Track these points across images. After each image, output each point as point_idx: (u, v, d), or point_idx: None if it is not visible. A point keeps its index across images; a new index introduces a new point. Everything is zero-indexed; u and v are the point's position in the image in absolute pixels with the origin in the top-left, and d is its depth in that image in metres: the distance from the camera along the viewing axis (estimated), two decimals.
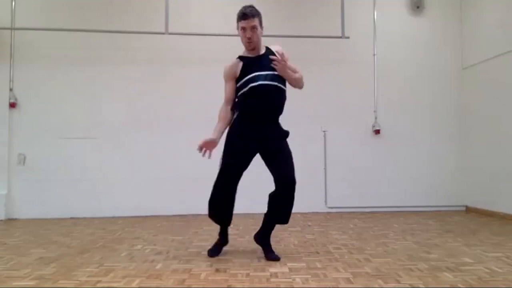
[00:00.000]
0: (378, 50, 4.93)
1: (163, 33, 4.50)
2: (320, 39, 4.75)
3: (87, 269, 2.39)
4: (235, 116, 2.72)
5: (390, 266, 2.42)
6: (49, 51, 4.59)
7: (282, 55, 2.64)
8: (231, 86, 2.67)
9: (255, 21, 2.56)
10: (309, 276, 2.24)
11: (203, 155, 2.64)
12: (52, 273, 2.31)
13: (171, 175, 4.62)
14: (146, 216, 4.46)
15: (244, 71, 2.62)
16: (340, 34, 4.68)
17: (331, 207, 4.80)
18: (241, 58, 2.67)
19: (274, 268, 2.40)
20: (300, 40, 4.68)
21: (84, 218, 4.40)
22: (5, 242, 3.19)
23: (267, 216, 2.69)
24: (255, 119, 2.63)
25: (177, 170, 4.63)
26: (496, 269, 2.36)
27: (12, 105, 4.49)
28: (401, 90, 4.95)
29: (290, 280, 2.17)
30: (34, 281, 2.16)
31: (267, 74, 2.59)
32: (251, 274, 2.28)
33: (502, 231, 3.57)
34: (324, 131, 4.85)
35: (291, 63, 2.67)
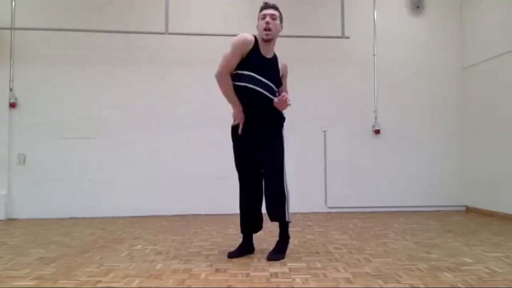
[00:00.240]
0: (378, 50, 4.93)
1: (163, 33, 4.50)
2: (320, 39, 4.75)
3: (87, 269, 2.39)
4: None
5: (390, 266, 2.42)
6: (49, 51, 4.60)
7: (284, 64, 2.70)
8: (237, 61, 2.59)
9: (276, 13, 2.61)
10: (309, 276, 2.24)
11: (240, 132, 2.62)
12: (52, 273, 2.31)
13: (171, 175, 4.63)
14: (146, 216, 4.46)
15: (248, 62, 2.57)
16: (340, 34, 4.69)
17: (331, 207, 4.81)
18: (256, 42, 2.58)
19: (274, 268, 2.40)
20: (300, 40, 4.69)
21: (84, 218, 4.40)
22: (5, 242, 3.20)
23: (267, 214, 2.72)
24: (250, 118, 2.64)
25: (177, 170, 4.63)
26: (496, 269, 2.36)
27: (12, 105, 4.49)
28: (401, 90, 4.95)
29: (290, 280, 2.17)
30: (34, 281, 2.16)
31: (267, 84, 2.60)
32: (251, 274, 2.28)
33: (502, 231, 3.57)
34: (324, 131, 4.85)
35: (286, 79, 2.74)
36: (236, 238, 3.20)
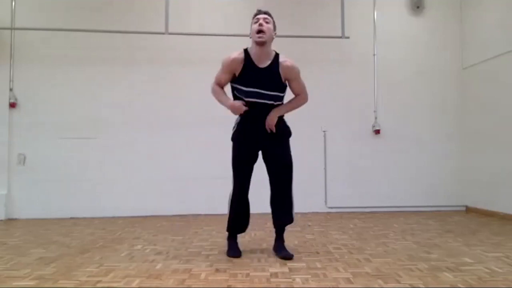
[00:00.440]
0: (378, 50, 4.93)
1: (163, 33, 4.50)
2: (320, 39, 4.75)
3: (87, 269, 2.38)
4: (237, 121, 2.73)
5: (390, 266, 2.42)
6: (49, 51, 4.59)
7: (287, 67, 2.60)
8: (226, 78, 2.64)
9: (269, 18, 2.60)
10: (309, 276, 2.24)
11: (246, 110, 2.62)
12: (52, 273, 2.31)
13: (171, 175, 4.63)
14: (146, 216, 4.46)
15: (244, 77, 2.58)
16: (340, 34, 4.68)
17: (331, 207, 4.80)
18: (246, 55, 2.59)
19: (274, 268, 2.40)
20: (300, 40, 4.68)
21: (84, 218, 4.40)
22: (5, 242, 3.19)
23: (273, 219, 2.75)
24: (253, 122, 2.65)
25: (177, 170, 4.63)
26: (496, 269, 2.36)
27: (12, 105, 4.49)
28: (401, 90, 4.95)
29: (290, 280, 2.17)
30: (34, 281, 2.16)
31: (266, 94, 2.58)
32: (251, 274, 2.28)
33: (502, 231, 3.57)
34: (324, 131, 4.85)
35: (299, 79, 2.68)
36: None
